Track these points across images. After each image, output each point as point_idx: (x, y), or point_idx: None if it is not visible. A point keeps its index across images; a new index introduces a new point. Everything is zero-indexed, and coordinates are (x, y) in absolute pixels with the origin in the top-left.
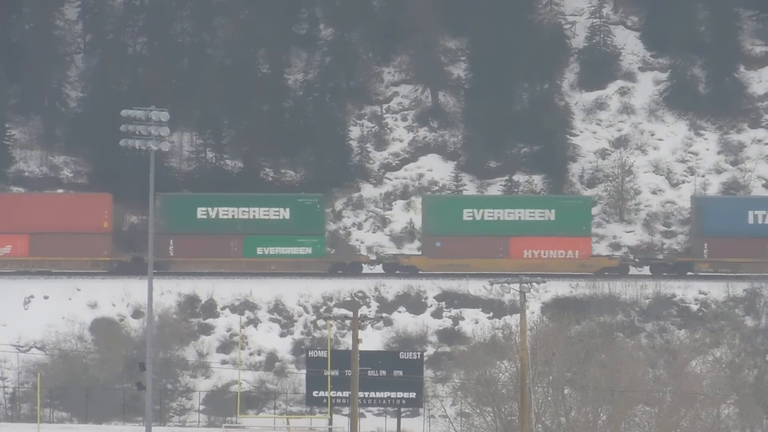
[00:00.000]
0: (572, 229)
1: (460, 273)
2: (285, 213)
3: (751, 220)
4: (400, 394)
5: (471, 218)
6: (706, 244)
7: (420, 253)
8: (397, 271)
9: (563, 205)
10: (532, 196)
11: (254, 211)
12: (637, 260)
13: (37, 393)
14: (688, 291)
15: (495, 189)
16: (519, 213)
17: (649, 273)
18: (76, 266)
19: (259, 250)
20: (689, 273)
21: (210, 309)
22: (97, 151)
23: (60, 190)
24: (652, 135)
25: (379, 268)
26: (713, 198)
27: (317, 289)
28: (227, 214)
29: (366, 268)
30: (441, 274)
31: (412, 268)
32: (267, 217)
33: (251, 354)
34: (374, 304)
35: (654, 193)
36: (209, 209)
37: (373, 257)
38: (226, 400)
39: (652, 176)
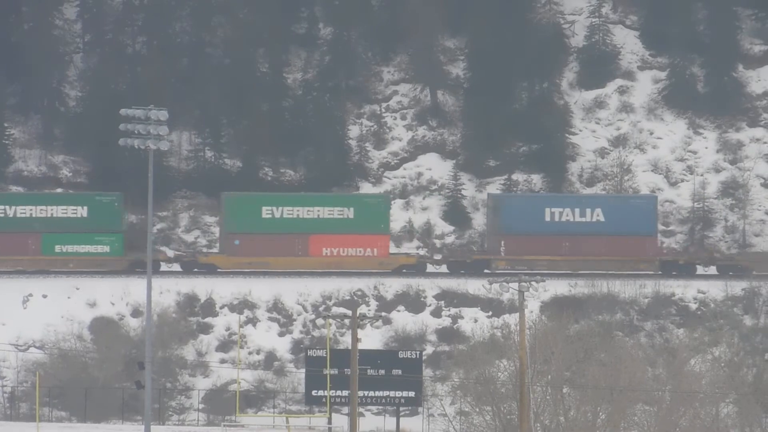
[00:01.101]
0: (371, 227)
1: (258, 271)
2: (83, 211)
3: (548, 218)
4: (399, 393)
5: (270, 216)
6: (503, 242)
7: (219, 251)
8: (195, 270)
9: (362, 204)
10: (330, 195)
11: (52, 210)
12: (433, 258)
13: (36, 392)
14: (687, 290)
15: (494, 188)
16: (318, 211)
17: (447, 270)
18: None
19: (57, 248)
20: (486, 271)
21: (209, 308)
22: (96, 150)
23: (59, 189)
24: (651, 134)
25: (177, 267)
26: (510, 196)
27: (316, 288)
28: (24, 213)
29: (164, 266)
30: (240, 272)
31: (210, 266)
32: (65, 215)
33: (250, 353)
34: (373, 303)
35: (653, 191)
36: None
37: (171, 255)
38: (225, 399)
39: (651, 175)
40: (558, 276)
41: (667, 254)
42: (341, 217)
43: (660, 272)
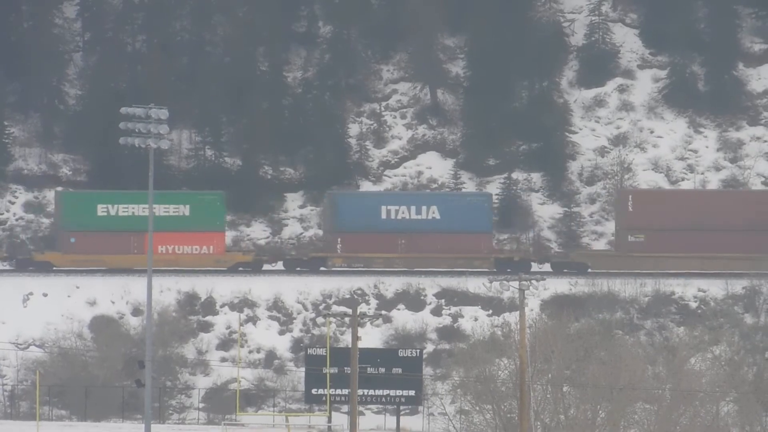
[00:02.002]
0: (207, 224)
1: (95, 269)
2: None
3: (384, 216)
4: (399, 392)
5: (105, 214)
6: (339, 239)
7: (55, 248)
8: (31, 268)
9: (198, 201)
10: (166, 192)
11: (155, 208)
12: (266, 257)
13: (36, 391)
14: (687, 288)
15: (493, 187)
16: (153, 208)
17: (282, 268)
18: None
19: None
20: (322, 268)
21: (209, 306)
22: (96, 149)
23: (59, 188)
24: (651, 132)
25: (12, 264)
26: (347, 193)
27: (316, 286)
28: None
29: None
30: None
31: (46, 264)
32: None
33: (250, 352)
34: (373, 302)
35: (654, 189)
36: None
37: (5, 253)
38: (225, 397)
39: (652, 174)
40: (396, 273)
41: (502, 251)
42: (177, 214)
43: (495, 269)
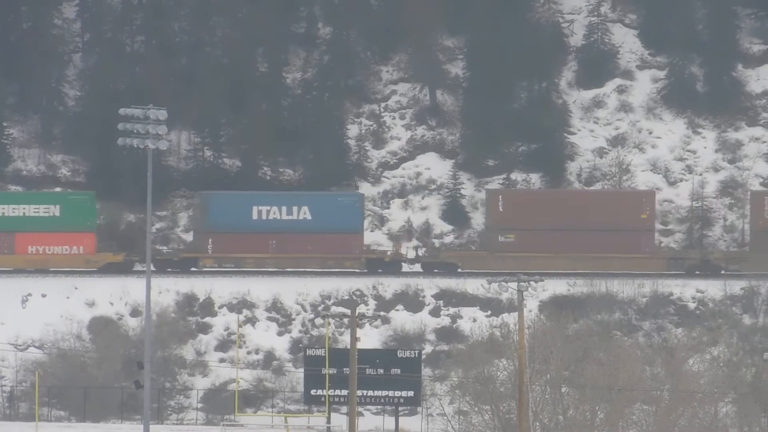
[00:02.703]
0: (77, 224)
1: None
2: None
3: (255, 216)
4: (398, 393)
5: None
6: (210, 240)
7: None
8: None
9: (68, 201)
10: (37, 192)
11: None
12: (138, 258)
13: (35, 392)
14: (685, 289)
15: (493, 187)
16: (24, 209)
17: (154, 269)
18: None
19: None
20: (193, 269)
21: (208, 308)
22: (94, 149)
23: (58, 188)
24: (650, 133)
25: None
26: (218, 193)
27: (315, 287)
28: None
29: None
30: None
31: None
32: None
33: (249, 352)
34: (372, 303)
35: (654, 190)
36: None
37: None
38: (224, 398)
39: (650, 174)
40: (264, 274)
41: (373, 252)
42: (47, 215)
43: (366, 270)
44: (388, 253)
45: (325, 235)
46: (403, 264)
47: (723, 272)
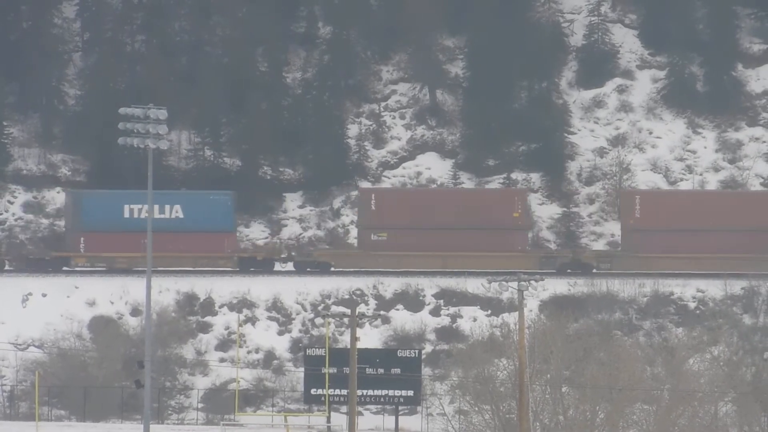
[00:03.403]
0: None
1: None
2: None
3: (127, 215)
4: (398, 392)
5: None
6: (82, 239)
7: None
8: None
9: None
10: None
11: None
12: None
13: (36, 391)
14: (685, 289)
15: (493, 187)
16: None
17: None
18: None
19: None
20: (65, 268)
21: (208, 307)
22: (95, 149)
23: (58, 188)
24: (650, 133)
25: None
26: (89, 193)
27: (315, 287)
28: None
29: None
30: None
31: None
32: None
33: (249, 352)
34: (372, 302)
35: (653, 190)
36: None
37: None
38: (224, 398)
39: (650, 174)
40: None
41: (245, 251)
42: None
43: (238, 269)
44: (261, 252)
45: (198, 234)
46: (275, 263)
47: (594, 271)
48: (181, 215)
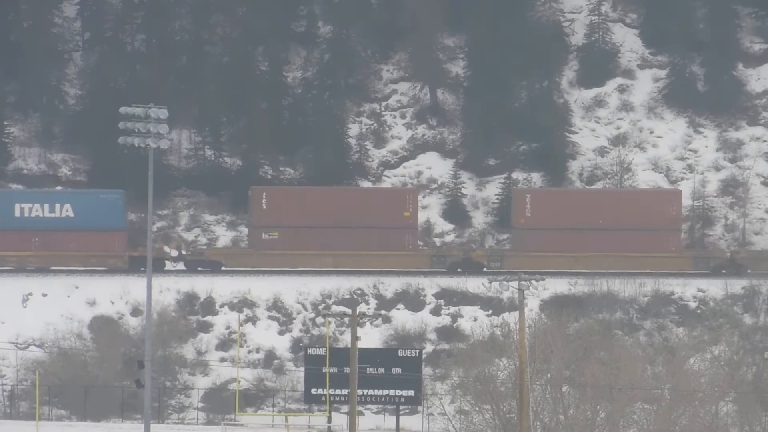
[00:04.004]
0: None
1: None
2: None
3: (17, 213)
4: (398, 392)
5: None
6: None
7: None
8: None
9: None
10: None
11: None
12: None
13: (36, 391)
14: (686, 288)
15: (494, 187)
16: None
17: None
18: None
19: None
20: None
21: (209, 307)
22: (95, 148)
23: (58, 188)
24: (651, 132)
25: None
26: None
27: (316, 286)
28: None
29: None
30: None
31: None
32: None
33: (250, 352)
34: (373, 302)
35: (654, 189)
36: None
37: None
38: (224, 397)
39: (651, 174)
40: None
41: (135, 250)
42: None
43: (128, 268)
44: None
45: (88, 233)
46: (166, 262)
47: (485, 269)
48: (71, 214)
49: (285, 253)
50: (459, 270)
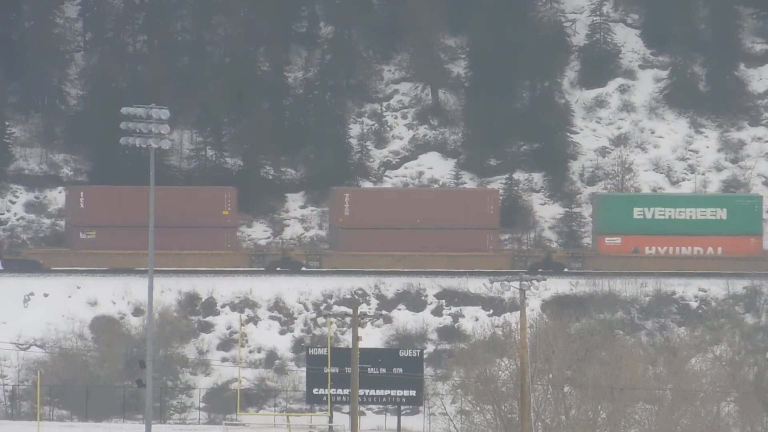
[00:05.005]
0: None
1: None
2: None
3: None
4: (400, 392)
5: None
6: None
7: None
8: None
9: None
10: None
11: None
12: None
13: (37, 391)
14: (688, 288)
15: (495, 187)
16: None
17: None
18: None
19: None
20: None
21: (210, 307)
22: (97, 149)
23: (60, 188)
24: (653, 133)
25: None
26: None
27: (317, 286)
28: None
29: None
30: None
31: None
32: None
33: (251, 352)
34: (374, 302)
35: (654, 191)
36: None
37: None
38: (226, 397)
39: (653, 174)
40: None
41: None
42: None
43: None
44: None
45: None
46: None
47: (303, 269)
48: None
49: (101, 253)
50: (278, 269)
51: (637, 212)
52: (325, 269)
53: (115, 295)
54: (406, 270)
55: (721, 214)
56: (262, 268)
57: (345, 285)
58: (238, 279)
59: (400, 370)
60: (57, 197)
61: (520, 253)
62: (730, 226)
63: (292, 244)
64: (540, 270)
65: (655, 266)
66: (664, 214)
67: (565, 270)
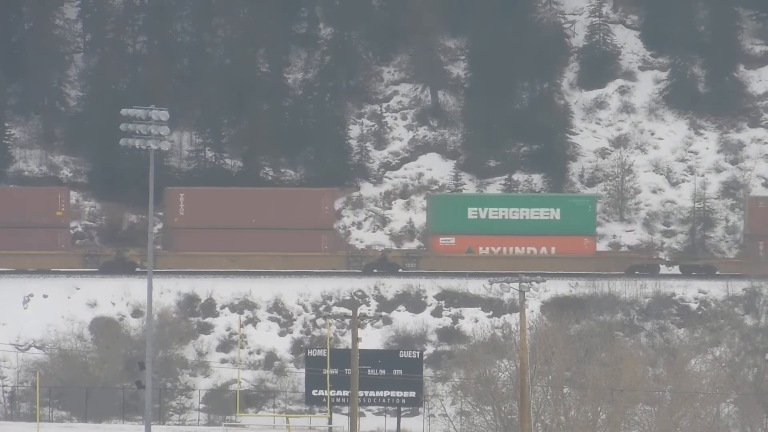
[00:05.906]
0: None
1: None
2: (555, 213)
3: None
4: (399, 393)
5: None
6: None
7: None
8: None
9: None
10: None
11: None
12: None
13: (37, 392)
14: (687, 290)
15: (495, 188)
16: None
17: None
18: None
19: None
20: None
21: (209, 308)
22: (96, 150)
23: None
24: (652, 134)
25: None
26: None
27: (316, 287)
28: (497, 215)
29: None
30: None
31: None
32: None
33: (251, 353)
34: (374, 303)
35: (654, 192)
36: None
37: None
38: (225, 399)
39: (652, 175)
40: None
41: None
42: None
43: None
44: None
45: None
46: None
47: (137, 269)
48: None
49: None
50: (118, 270)
51: (471, 212)
52: (161, 269)
53: (115, 296)
54: (405, 271)
55: (555, 214)
56: (96, 269)
57: (344, 286)
58: (237, 280)
59: (400, 371)
60: None
61: (355, 253)
62: (563, 226)
63: (125, 245)
64: (375, 270)
65: (488, 266)
66: (498, 215)
67: (400, 270)
